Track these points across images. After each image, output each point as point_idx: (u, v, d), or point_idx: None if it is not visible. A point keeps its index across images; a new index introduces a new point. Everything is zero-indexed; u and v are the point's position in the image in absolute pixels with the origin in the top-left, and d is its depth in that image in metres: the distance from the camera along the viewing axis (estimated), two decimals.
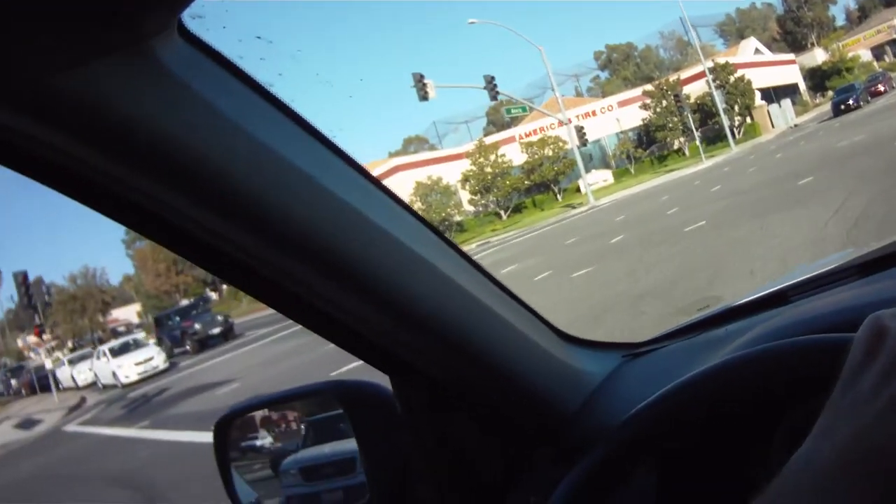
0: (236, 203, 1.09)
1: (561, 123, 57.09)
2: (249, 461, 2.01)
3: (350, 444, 1.75)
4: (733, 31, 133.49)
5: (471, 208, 68.85)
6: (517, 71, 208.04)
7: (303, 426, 2.02)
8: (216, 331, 49.06)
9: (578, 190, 63.51)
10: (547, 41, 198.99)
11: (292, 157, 1.14)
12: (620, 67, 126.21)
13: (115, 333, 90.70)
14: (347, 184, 1.26)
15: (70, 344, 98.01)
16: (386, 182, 1.49)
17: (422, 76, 45.58)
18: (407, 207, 1.41)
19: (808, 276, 1.93)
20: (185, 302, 71.16)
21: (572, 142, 55.99)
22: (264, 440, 2.01)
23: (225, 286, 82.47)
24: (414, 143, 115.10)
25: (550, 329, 1.72)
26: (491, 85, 49.63)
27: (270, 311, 1.46)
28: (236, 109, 1.07)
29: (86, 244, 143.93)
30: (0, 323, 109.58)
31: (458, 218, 66.17)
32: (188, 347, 49.53)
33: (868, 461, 0.75)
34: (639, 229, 24.86)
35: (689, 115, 62.73)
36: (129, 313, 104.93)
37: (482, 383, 1.54)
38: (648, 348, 1.90)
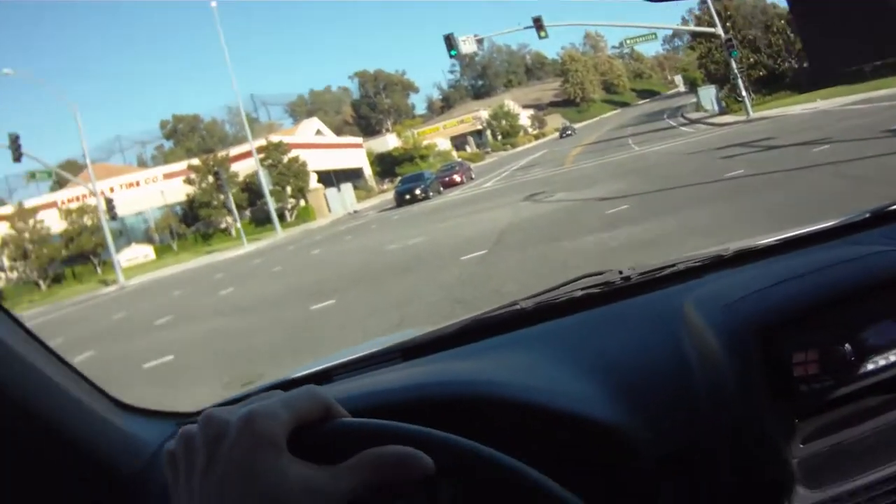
0: None
1: (92, 193, 50.50)
2: None
3: None
4: (304, 111, 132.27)
5: (14, 275, 60.51)
6: (90, 130, 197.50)
7: None
8: None
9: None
10: (120, 103, 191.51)
11: None
12: (185, 138, 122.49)
13: None
14: None
15: None
16: None
17: None
18: None
19: (353, 356, 2.03)
20: None
21: (101, 214, 49.70)
22: None
23: None
24: None
25: (105, 396, 1.69)
26: (15, 145, 41.37)
27: None
28: None
29: None
30: None
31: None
32: None
33: None
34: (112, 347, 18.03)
35: (229, 195, 58.28)
36: None
37: (38, 444, 1.45)
38: None
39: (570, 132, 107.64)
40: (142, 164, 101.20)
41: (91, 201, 56.27)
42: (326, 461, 0.88)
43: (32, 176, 49.53)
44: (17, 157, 41.78)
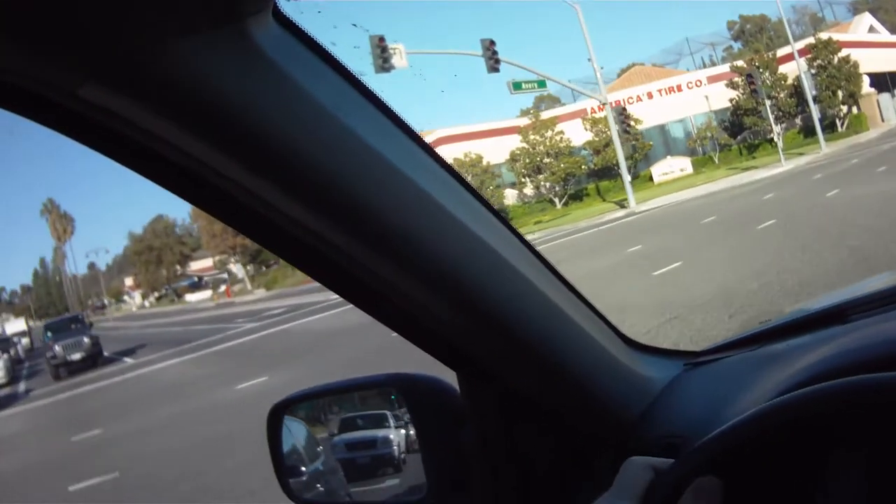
0: (316, 188, 1.09)
1: (601, 107, 44.80)
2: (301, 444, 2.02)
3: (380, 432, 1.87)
4: (866, 9, 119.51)
5: (528, 192, 56.42)
6: (657, 33, 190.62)
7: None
8: (77, 356, 38.48)
9: (651, 179, 52.29)
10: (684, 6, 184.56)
11: (378, 147, 1.14)
12: (753, 39, 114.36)
13: (193, 285, 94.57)
14: (430, 178, 1.25)
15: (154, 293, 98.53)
16: None
17: (381, 38, 32.94)
18: (486, 202, 1.38)
19: (865, 293, 1.83)
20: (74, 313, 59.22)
21: (612, 126, 43.19)
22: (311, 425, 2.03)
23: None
24: (545, 102, 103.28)
25: (615, 333, 1.69)
26: (490, 52, 35.88)
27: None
28: (325, 95, 1.07)
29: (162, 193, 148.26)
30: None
31: (507, 202, 54.86)
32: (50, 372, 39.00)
33: None
34: None
35: (765, 101, 49.65)
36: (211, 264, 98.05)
37: (548, 384, 1.52)
38: (709, 358, 1.82)
39: None
40: (711, 64, 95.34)
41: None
42: None
43: (518, 86, 42.58)
44: (494, 65, 36.19)
